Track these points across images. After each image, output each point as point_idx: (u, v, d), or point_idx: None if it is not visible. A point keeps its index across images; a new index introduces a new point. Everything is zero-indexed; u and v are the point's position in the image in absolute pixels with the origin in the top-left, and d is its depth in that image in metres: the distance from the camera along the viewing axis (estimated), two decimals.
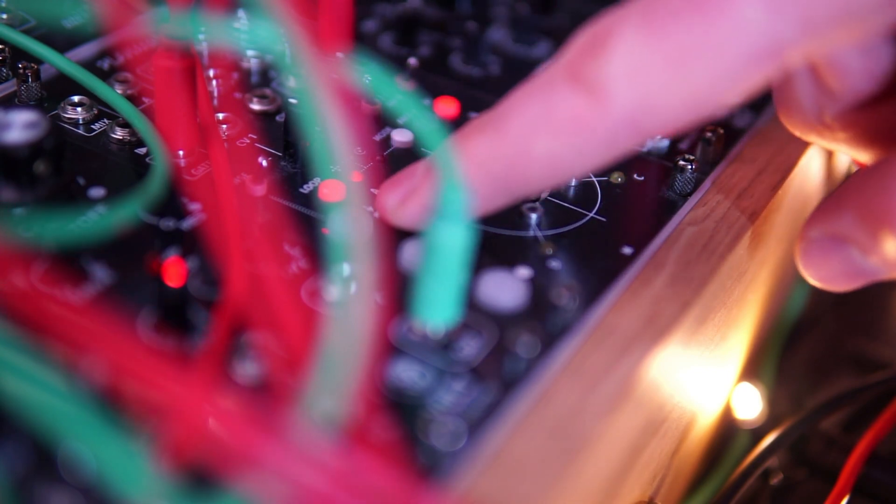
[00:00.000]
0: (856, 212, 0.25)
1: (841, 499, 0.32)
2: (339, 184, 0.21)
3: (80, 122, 0.31)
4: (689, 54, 0.23)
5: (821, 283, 0.28)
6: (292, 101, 0.32)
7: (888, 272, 0.26)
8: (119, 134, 0.31)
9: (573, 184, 0.31)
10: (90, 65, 0.34)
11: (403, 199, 0.27)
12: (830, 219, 0.26)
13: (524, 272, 0.28)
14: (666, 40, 0.23)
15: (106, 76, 0.33)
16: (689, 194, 0.31)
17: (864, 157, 0.29)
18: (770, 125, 0.35)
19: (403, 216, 0.27)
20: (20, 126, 0.25)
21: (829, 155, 0.38)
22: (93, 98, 0.32)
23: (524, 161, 0.25)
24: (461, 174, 0.23)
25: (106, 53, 0.35)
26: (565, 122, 0.24)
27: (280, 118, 0.33)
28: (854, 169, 0.38)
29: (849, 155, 0.29)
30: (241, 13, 0.29)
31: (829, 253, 0.27)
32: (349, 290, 0.21)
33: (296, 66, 0.21)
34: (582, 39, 0.24)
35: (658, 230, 0.30)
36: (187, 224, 0.27)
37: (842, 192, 0.26)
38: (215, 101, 0.32)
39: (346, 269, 0.21)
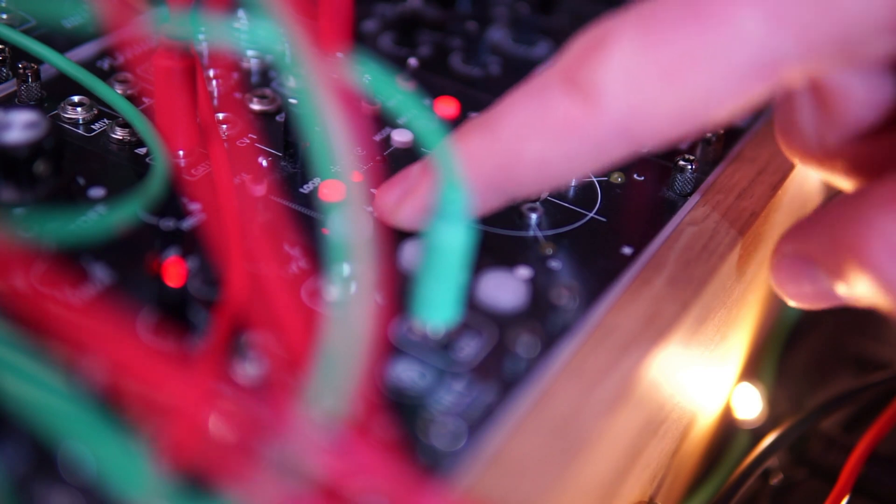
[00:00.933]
0: (826, 237, 0.25)
1: (841, 499, 0.32)
2: (339, 184, 0.21)
3: (80, 122, 0.31)
4: (685, 64, 0.22)
5: (790, 299, 0.27)
6: (292, 101, 0.32)
7: (854, 300, 0.25)
8: (119, 134, 0.31)
9: (573, 184, 0.31)
10: (90, 65, 0.34)
11: (400, 200, 0.27)
12: (803, 238, 0.26)
13: (524, 272, 0.28)
14: (662, 48, 0.23)
15: (106, 76, 0.33)
16: (689, 194, 0.31)
17: (853, 186, 0.28)
18: (770, 125, 0.35)
19: (400, 216, 0.27)
20: (20, 126, 0.25)
21: None
22: (93, 98, 0.32)
23: (515, 163, 0.25)
24: (460, 173, 0.23)
25: (106, 53, 0.35)
26: (557, 125, 0.24)
27: (280, 118, 0.33)
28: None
29: (842, 185, 0.28)
30: (241, 13, 0.29)
31: (800, 272, 0.26)
32: (349, 290, 0.21)
33: (296, 66, 0.21)
34: (579, 43, 0.24)
35: (658, 230, 0.30)
36: (187, 224, 0.27)
37: (817, 213, 0.26)
38: (215, 101, 0.32)
39: (346, 269, 0.21)
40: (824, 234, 0.25)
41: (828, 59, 0.23)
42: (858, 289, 0.24)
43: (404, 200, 0.27)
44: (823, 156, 0.27)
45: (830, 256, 0.25)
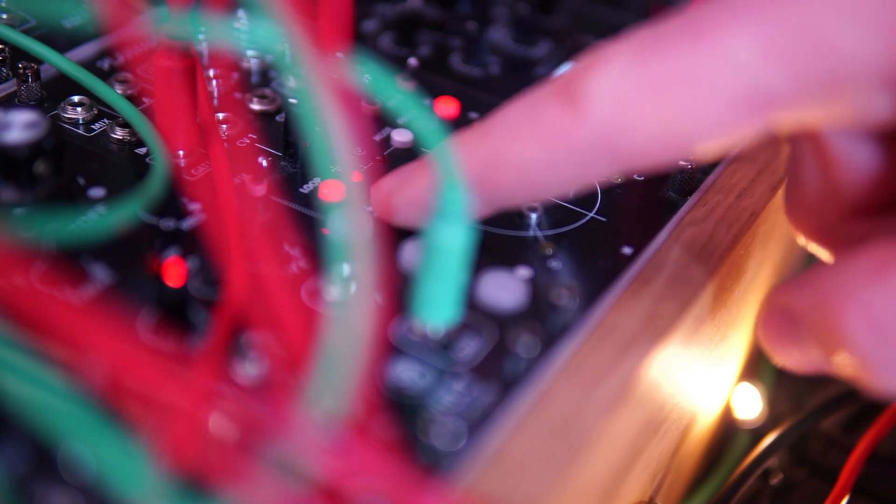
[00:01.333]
0: (811, 300, 0.24)
1: (841, 499, 0.32)
2: (339, 184, 0.21)
3: (80, 122, 0.31)
4: (673, 83, 0.22)
5: (775, 356, 0.26)
6: (292, 101, 0.32)
7: (834, 370, 0.24)
8: (119, 134, 0.31)
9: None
10: (90, 65, 0.34)
11: (396, 191, 0.27)
12: (792, 296, 0.25)
13: (524, 272, 0.28)
14: (653, 66, 0.22)
15: (106, 76, 0.33)
16: (689, 194, 0.31)
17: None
18: None
19: (395, 207, 0.27)
20: (20, 126, 0.25)
21: None
22: (93, 98, 0.32)
23: (498, 166, 0.24)
24: (459, 172, 0.23)
25: (106, 53, 0.35)
26: (541, 130, 0.24)
27: (280, 118, 0.33)
28: None
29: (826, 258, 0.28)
30: (241, 13, 0.29)
31: (787, 331, 0.25)
32: (349, 290, 0.21)
33: (296, 66, 0.21)
34: (583, 59, 0.24)
35: (658, 230, 0.30)
36: (187, 224, 0.27)
37: (807, 273, 0.25)
38: (215, 101, 0.32)
39: (346, 269, 0.21)
40: (810, 296, 0.24)
41: (820, 107, 0.22)
42: (837, 359, 0.23)
43: (400, 191, 0.27)
44: (825, 227, 0.26)
45: (814, 320, 0.24)
